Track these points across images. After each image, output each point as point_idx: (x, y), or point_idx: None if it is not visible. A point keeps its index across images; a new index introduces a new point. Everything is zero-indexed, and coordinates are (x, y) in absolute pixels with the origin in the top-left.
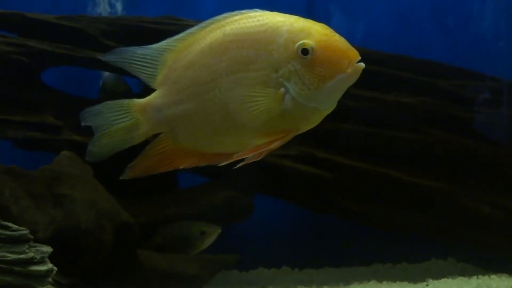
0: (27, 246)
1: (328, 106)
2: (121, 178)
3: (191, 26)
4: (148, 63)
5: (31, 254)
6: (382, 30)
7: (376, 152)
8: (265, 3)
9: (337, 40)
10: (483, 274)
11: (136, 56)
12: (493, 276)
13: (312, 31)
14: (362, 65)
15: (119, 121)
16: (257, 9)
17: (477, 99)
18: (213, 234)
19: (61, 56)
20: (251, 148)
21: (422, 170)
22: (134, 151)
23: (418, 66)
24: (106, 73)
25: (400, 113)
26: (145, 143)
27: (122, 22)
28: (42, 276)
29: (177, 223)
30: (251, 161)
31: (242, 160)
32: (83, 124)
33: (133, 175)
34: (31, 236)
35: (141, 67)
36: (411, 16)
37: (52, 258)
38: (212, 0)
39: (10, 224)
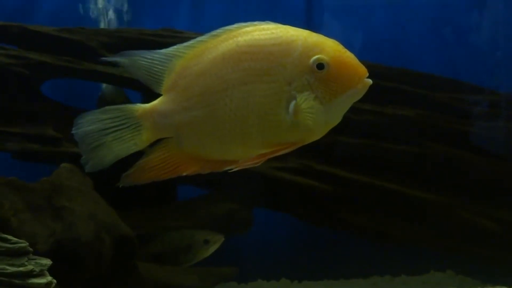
0: (26, 258)
1: (335, 120)
2: (120, 185)
3: (192, 38)
4: (155, 67)
5: (30, 267)
6: (381, 42)
7: (375, 164)
8: (264, 17)
9: (349, 56)
10: (482, 287)
11: (144, 59)
12: None
13: (326, 47)
14: (370, 81)
15: (120, 126)
16: (269, 22)
17: (475, 112)
18: (217, 242)
19: (61, 68)
20: (255, 156)
21: (420, 183)
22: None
23: (416, 79)
24: (105, 85)
25: (398, 126)
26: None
27: (122, 34)
28: None
29: (177, 231)
30: (249, 166)
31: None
32: (75, 131)
33: (134, 182)
34: (31, 249)
35: (148, 71)
36: (410, 29)
37: (51, 270)
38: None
39: (9, 237)
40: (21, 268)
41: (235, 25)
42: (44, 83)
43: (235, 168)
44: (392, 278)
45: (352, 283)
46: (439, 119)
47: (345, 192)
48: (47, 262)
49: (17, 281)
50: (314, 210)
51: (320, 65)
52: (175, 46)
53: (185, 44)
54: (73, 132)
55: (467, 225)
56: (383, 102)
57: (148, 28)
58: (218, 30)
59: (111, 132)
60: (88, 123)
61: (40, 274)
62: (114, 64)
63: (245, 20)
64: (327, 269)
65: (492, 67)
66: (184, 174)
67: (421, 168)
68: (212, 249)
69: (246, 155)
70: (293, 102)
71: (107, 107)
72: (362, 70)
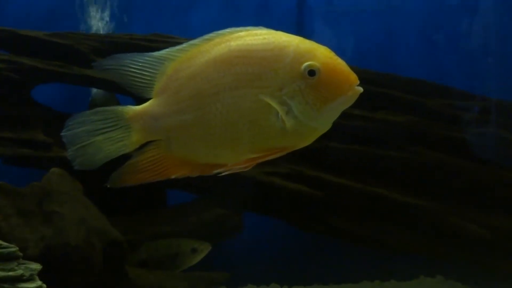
0: (16, 263)
1: (325, 126)
2: (108, 186)
3: (182, 43)
4: (146, 70)
5: (20, 272)
6: (371, 48)
7: (365, 170)
8: (255, 23)
9: (340, 63)
10: None
11: (135, 63)
12: None
13: (318, 53)
14: (361, 89)
15: (111, 128)
16: (262, 27)
17: (466, 118)
18: (204, 251)
19: (52, 73)
20: (244, 160)
21: (410, 189)
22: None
23: (407, 85)
24: (95, 90)
25: (389, 132)
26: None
27: (112, 39)
28: None
29: (164, 240)
30: (238, 170)
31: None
32: (64, 132)
33: (122, 183)
34: (20, 254)
35: (138, 75)
36: (400, 34)
37: (41, 275)
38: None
39: None
40: (10, 273)
41: (228, 30)
42: (34, 88)
43: (225, 171)
44: (382, 283)
45: None
46: (429, 125)
47: (335, 198)
48: (37, 266)
49: (6, 286)
50: (304, 215)
51: (311, 72)
52: (167, 49)
53: (177, 47)
54: (62, 134)
55: (458, 231)
56: (374, 108)
57: (138, 33)
58: (211, 34)
59: (101, 132)
60: (78, 125)
61: (30, 279)
62: (105, 69)
63: (237, 25)
64: (317, 274)
65: (483, 73)
66: (173, 176)
67: (412, 174)
68: (199, 257)
69: (236, 159)
70: (283, 108)
71: (98, 109)
72: (353, 77)
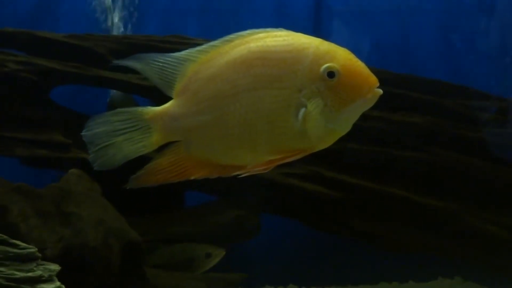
0: (35, 264)
1: (345, 128)
2: (128, 187)
3: (200, 45)
4: (167, 71)
5: (39, 272)
6: (388, 49)
7: (383, 171)
8: (273, 25)
9: (360, 65)
10: None
11: (156, 63)
12: None
13: (337, 55)
14: (380, 91)
15: (130, 128)
16: (282, 29)
17: (483, 118)
18: (218, 256)
19: (70, 75)
20: (263, 162)
21: (428, 190)
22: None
23: (425, 86)
24: (113, 91)
25: (406, 133)
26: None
27: (130, 41)
28: None
29: (178, 244)
30: (257, 173)
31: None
32: (85, 132)
33: (142, 184)
34: (39, 254)
35: (160, 74)
36: (418, 35)
37: (59, 276)
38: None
39: (18, 242)
40: (29, 274)
41: (248, 31)
42: (52, 89)
43: (244, 174)
44: (400, 285)
45: None
46: (447, 125)
47: (353, 199)
48: (56, 267)
49: (25, 287)
50: (322, 216)
51: (331, 73)
52: (187, 50)
53: (198, 48)
54: (82, 133)
55: (476, 232)
56: (391, 108)
57: (156, 34)
58: (231, 36)
59: (121, 133)
60: (98, 125)
61: (48, 280)
62: (124, 70)
63: (252, 27)
64: (334, 276)
65: (501, 73)
66: (192, 178)
67: (430, 175)
68: (213, 262)
69: (255, 161)
70: (302, 110)
71: (118, 110)
72: (373, 79)
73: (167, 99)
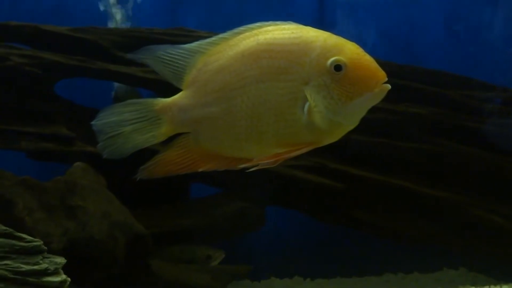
0: (41, 257)
1: (352, 122)
2: (137, 178)
3: (204, 37)
4: (178, 63)
5: (44, 265)
6: (393, 40)
7: (387, 162)
8: (276, 16)
9: (368, 59)
10: (495, 284)
11: (167, 55)
12: (504, 287)
13: (345, 49)
14: (389, 86)
15: (140, 119)
16: (291, 22)
17: (487, 109)
18: (218, 258)
19: (74, 68)
20: (271, 155)
21: (432, 180)
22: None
23: (428, 77)
24: (118, 84)
25: (410, 124)
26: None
27: (134, 34)
28: (56, 287)
29: (178, 246)
30: (265, 167)
31: (257, 165)
32: (95, 122)
33: (151, 176)
34: (45, 247)
35: (170, 66)
36: (422, 26)
37: (64, 269)
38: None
39: (24, 235)
40: (35, 267)
41: (257, 24)
42: (57, 83)
43: (252, 168)
44: (405, 276)
45: (365, 281)
46: (451, 116)
47: (358, 190)
48: (62, 260)
49: (31, 279)
50: (326, 208)
51: (338, 67)
52: (198, 42)
53: (207, 40)
54: (93, 123)
55: (480, 223)
56: (396, 100)
57: (159, 27)
58: (241, 28)
59: (130, 123)
60: (109, 115)
61: (54, 273)
62: (128, 63)
63: (256, 20)
64: (340, 267)
65: (505, 64)
66: (200, 170)
67: (434, 166)
68: (213, 264)
69: (262, 153)
70: (308, 102)
71: (129, 101)
72: (381, 74)
73: (172, 92)
